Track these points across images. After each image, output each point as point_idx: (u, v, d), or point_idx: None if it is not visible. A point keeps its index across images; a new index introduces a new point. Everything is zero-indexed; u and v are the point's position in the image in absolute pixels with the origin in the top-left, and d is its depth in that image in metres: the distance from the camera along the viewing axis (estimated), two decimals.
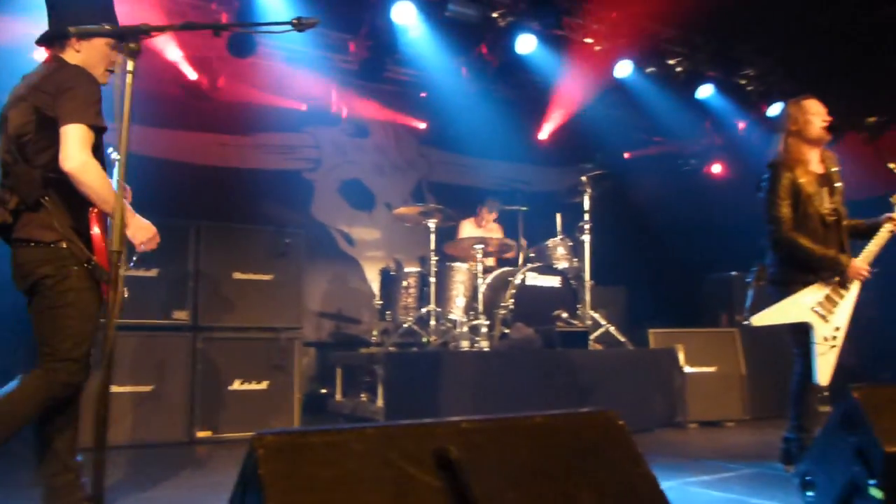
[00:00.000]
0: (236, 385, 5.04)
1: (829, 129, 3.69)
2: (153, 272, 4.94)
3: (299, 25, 2.29)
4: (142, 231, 2.67)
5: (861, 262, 3.59)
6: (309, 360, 7.10)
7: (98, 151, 2.54)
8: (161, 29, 2.21)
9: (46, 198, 2.51)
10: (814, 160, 3.74)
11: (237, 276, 5.21)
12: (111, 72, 2.72)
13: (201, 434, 4.85)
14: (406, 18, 6.53)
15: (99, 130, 2.51)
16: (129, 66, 1.88)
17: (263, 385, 5.13)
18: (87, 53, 2.64)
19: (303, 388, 5.73)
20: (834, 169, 3.78)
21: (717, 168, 9.28)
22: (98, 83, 2.58)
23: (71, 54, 2.62)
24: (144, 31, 1.99)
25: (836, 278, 3.58)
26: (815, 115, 3.70)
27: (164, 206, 4.60)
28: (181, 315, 4.96)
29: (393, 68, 7.51)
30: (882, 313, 6.99)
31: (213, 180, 6.89)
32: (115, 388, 4.60)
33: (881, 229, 3.66)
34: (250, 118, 7.27)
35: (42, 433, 2.61)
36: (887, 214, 3.69)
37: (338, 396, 6.29)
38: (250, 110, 7.23)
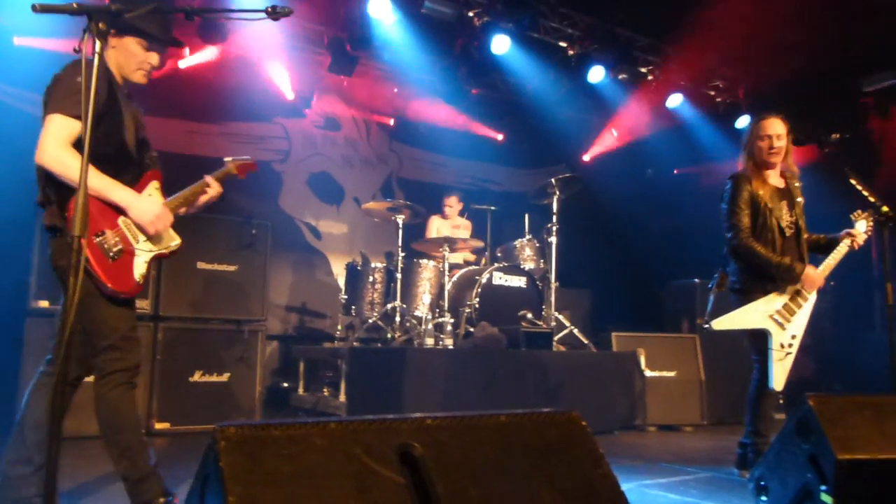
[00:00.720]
0: (197, 377, 4.96)
1: (792, 143, 3.77)
2: None
3: (273, 14, 2.26)
4: (145, 213, 2.55)
5: (816, 273, 3.67)
6: (272, 353, 7.03)
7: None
8: (129, 11, 2.16)
9: (49, 189, 2.50)
10: (773, 175, 3.83)
11: (201, 265, 5.14)
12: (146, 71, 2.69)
13: (159, 426, 4.77)
14: (382, 13, 6.51)
15: (80, 118, 2.41)
16: (97, 47, 1.83)
17: (224, 377, 5.07)
18: (119, 51, 2.62)
19: (265, 382, 5.67)
20: (796, 184, 3.87)
21: (688, 176, 9.27)
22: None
23: (108, 50, 2.61)
24: (113, 13, 1.95)
25: (794, 287, 3.65)
26: (765, 138, 3.76)
27: None
28: (142, 304, 4.87)
29: (367, 62, 7.48)
30: (836, 326, 7.19)
31: (178, 168, 6.74)
32: None
33: (840, 244, 3.75)
34: (219, 106, 7.16)
35: (24, 416, 2.57)
36: (847, 230, 3.79)
37: (300, 391, 6.24)
38: (219, 98, 7.13)
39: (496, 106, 8.65)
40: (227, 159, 3.17)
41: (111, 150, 2.53)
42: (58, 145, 2.39)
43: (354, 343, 6.08)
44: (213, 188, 2.98)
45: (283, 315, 7.32)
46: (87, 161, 1.73)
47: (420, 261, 6.15)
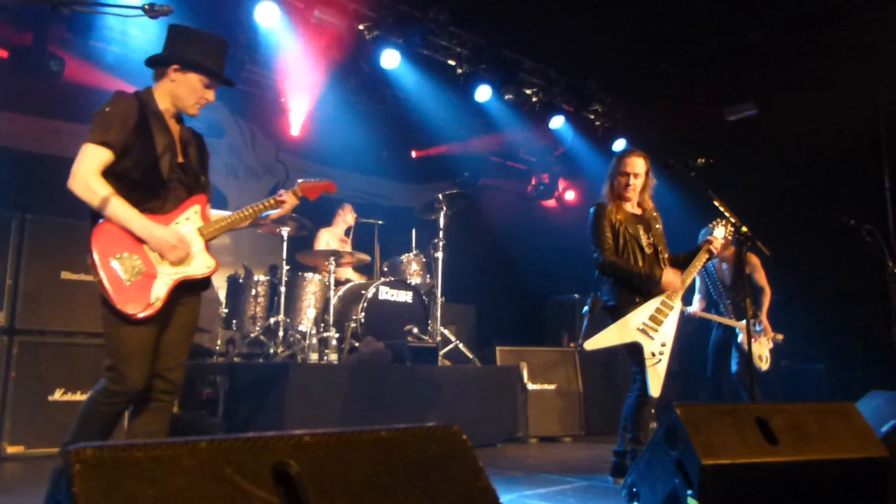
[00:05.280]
0: (58, 395, 4.61)
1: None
2: None
3: (151, 11, 2.17)
4: (161, 245, 2.61)
5: (677, 275, 3.88)
6: None
7: (114, 170, 2.61)
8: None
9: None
10: (629, 204, 4.06)
11: (66, 275, 4.77)
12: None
13: (12, 450, 4.38)
14: (269, 20, 6.36)
15: (107, 146, 2.57)
16: None
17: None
18: (177, 84, 2.73)
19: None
20: (654, 214, 4.11)
21: (570, 195, 9.76)
22: (119, 104, 2.66)
23: (165, 82, 2.74)
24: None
25: (659, 297, 3.86)
26: (624, 175, 3.99)
27: None
28: None
29: (252, 69, 7.28)
30: (701, 342, 7.63)
31: (43, 169, 6.29)
32: None
33: (700, 252, 4.00)
34: (91, 105, 6.70)
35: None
36: (706, 238, 4.04)
37: (175, 409, 5.92)
38: (93, 97, 6.68)
39: (385, 120, 8.65)
40: (299, 181, 3.21)
41: (140, 175, 2.63)
42: (85, 172, 2.54)
43: (235, 358, 5.85)
44: (286, 203, 3.13)
45: None
46: None
47: (305, 274, 6.02)
